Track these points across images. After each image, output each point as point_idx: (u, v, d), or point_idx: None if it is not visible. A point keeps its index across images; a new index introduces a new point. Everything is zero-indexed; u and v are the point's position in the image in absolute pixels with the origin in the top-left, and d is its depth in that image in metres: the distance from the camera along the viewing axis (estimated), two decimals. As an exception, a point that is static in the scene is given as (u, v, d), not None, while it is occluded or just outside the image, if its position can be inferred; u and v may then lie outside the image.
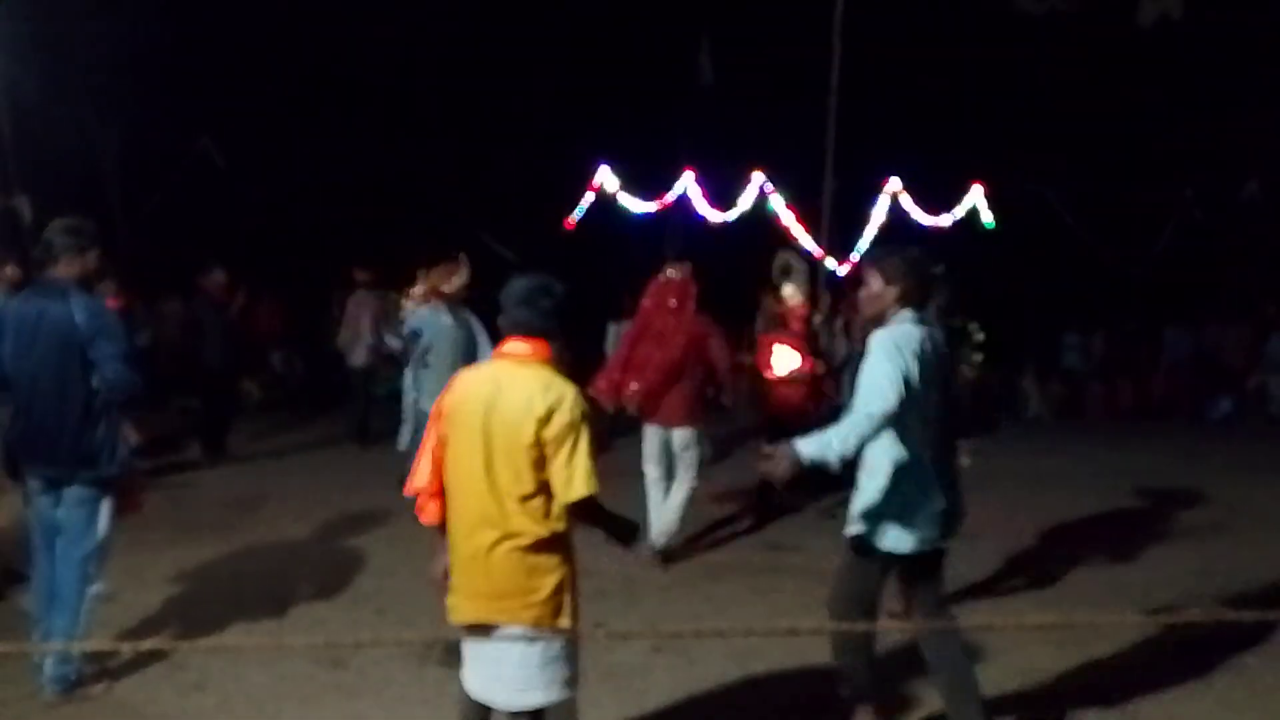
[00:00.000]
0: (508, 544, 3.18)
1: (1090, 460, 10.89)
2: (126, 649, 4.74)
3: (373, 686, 3.43)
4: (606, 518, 3.36)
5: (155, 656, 4.91)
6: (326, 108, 15.38)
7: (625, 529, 3.44)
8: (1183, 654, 5.23)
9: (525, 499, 3.18)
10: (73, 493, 4.46)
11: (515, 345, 3.29)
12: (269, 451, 10.61)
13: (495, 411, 3.18)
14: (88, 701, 4.51)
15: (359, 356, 10.83)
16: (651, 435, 6.80)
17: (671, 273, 6.98)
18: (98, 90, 12.49)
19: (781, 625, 5.15)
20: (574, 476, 3.16)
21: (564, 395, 3.19)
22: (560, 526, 3.24)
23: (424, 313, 6.32)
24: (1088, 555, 7.17)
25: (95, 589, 4.57)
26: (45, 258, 4.48)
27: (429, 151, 14.72)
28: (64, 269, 4.43)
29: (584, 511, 3.25)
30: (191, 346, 10.43)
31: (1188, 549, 7.31)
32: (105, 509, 4.54)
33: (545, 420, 3.14)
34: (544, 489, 3.19)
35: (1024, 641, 5.31)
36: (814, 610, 5.84)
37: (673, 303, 6.74)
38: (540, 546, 3.20)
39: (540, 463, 3.17)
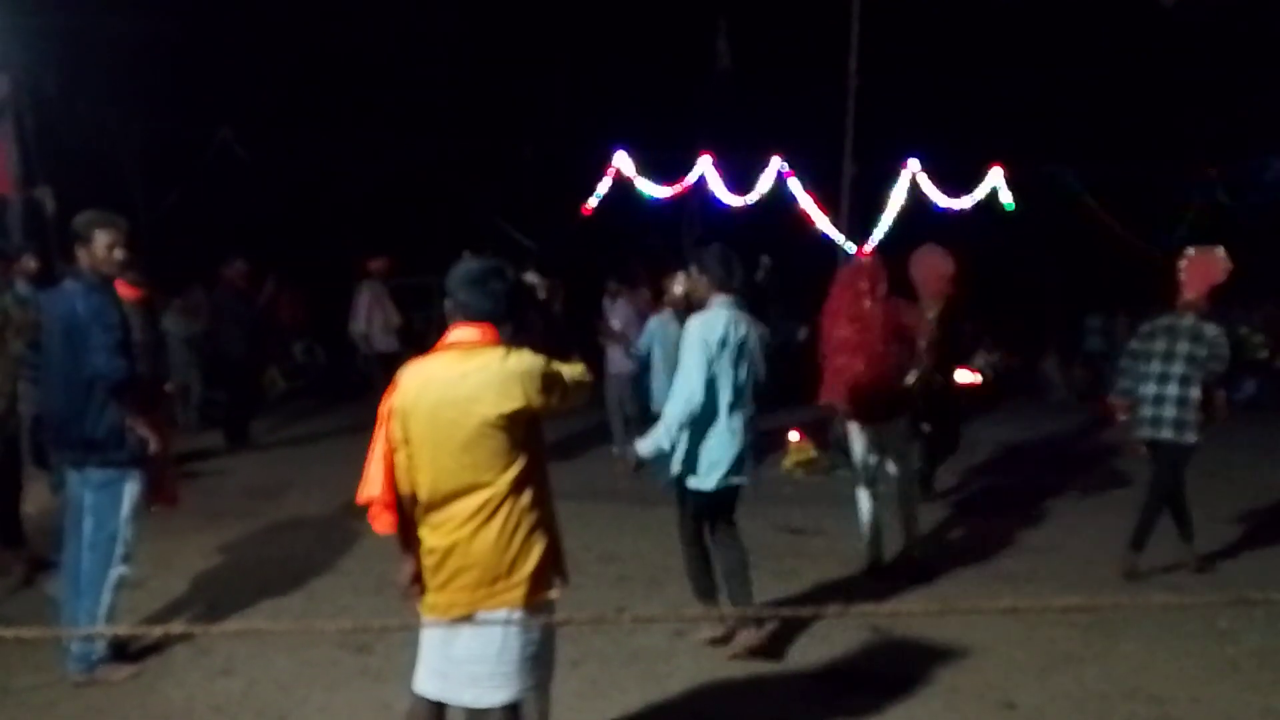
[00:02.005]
0: (484, 531, 3.11)
1: (1113, 444, 10.82)
2: (158, 631, 4.78)
3: (398, 671, 3.45)
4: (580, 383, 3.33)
5: (182, 641, 4.97)
6: (346, 98, 15.40)
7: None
8: (1207, 637, 5.21)
9: (494, 482, 3.10)
10: (94, 475, 4.55)
11: (462, 332, 3.19)
12: (292, 439, 10.68)
13: (458, 405, 3.08)
14: (115, 687, 4.56)
15: (383, 343, 10.86)
16: (862, 436, 6.28)
17: (862, 258, 6.61)
18: (119, 82, 12.54)
19: (806, 609, 5.15)
20: (570, 387, 3.22)
21: (522, 362, 3.11)
22: (536, 506, 3.17)
23: (655, 321, 7.65)
24: (1110, 538, 7.13)
25: (120, 571, 4.62)
26: (71, 248, 4.60)
27: (447, 140, 14.71)
28: (78, 259, 4.54)
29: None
30: (214, 336, 10.51)
31: (1211, 531, 7.25)
32: (128, 491, 4.60)
33: (511, 396, 3.06)
34: (513, 470, 3.11)
35: (1048, 624, 5.30)
36: (836, 593, 5.86)
37: (865, 286, 6.14)
38: (520, 528, 3.14)
39: (506, 441, 3.09)
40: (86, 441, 4.50)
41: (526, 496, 3.16)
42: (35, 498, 7.06)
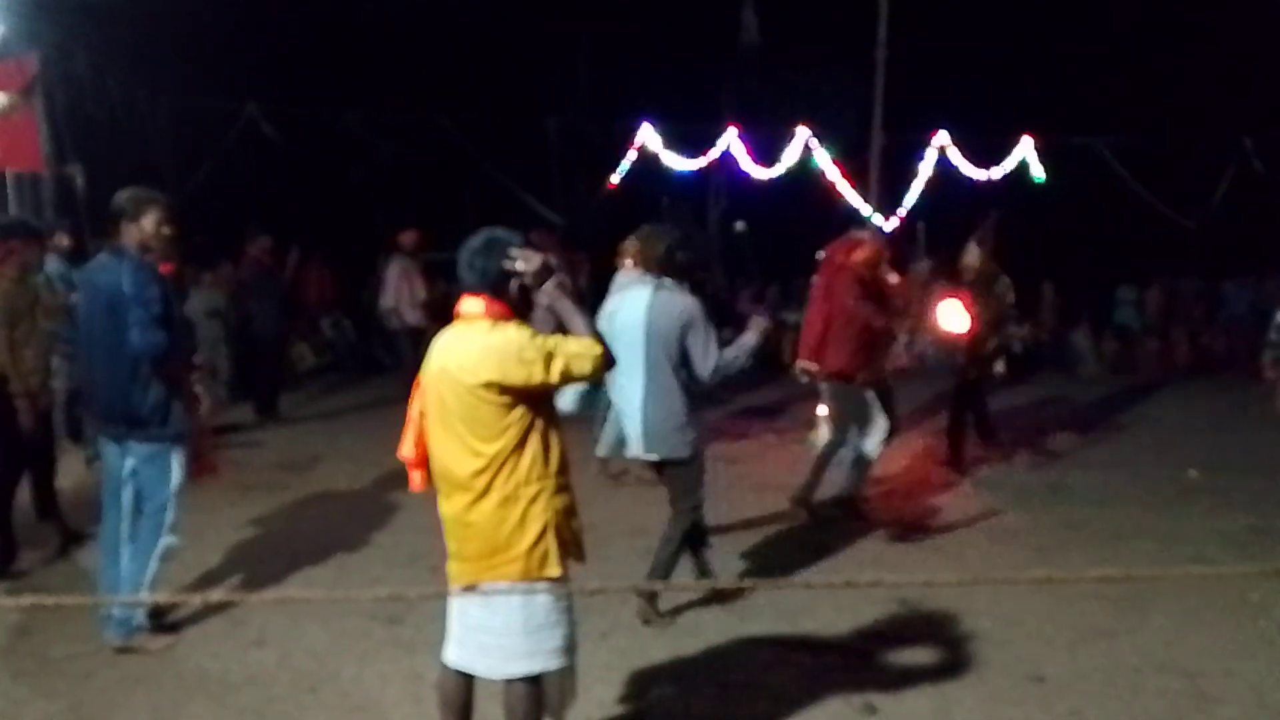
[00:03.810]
0: (482, 503, 3.14)
1: (1144, 417, 10.74)
2: (196, 599, 4.83)
3: (430, 642, 3.48)
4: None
5: (216, 612, 5.03)
6: (371, 73, 15.39)
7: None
8: (1239, 610, 5.16)
9: (484, 454, 3.11)
10: (138, 449, 4.61)
11: (468, 304, 3.21)
12: (321, 414, 10.77)
13: (451, 374, 3.13)
14: (150, 656, 4.63)
15: (412, 317, 10.89)
16: (854, 397, 6.72)
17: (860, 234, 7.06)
18: (148, 59, 12.59)
19: (837, 579, 5.14)
20: (574, 358, 3.10)
21: (504, 335, 3.09)
22: (533, 481, 3.16)
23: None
24: (1141, 512, 7.09)
25: (168, 541, 4.70)
26: (109, 225, 4.63)
27: (472, 114, 14.69)
28: (124, 236, 4.57)
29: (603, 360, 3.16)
30: (243, 312, 10.59)
31: (1244, 505, 7.19)
32: (175, 463, 4.67)
33: (487, 368, 3.05)
34: (502, 442, 3.11)
35: (1078, 597, 5.27)
36: (865, 566, 5.86)
37: (872, 257, 6.74)
38: (515, 501, 3.14)
39: (493, 413, 3.08)
40: (131, 416, 4.55)
41: (522, 471, 3.14)
42: (69, 471, 7.17)
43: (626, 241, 6.68)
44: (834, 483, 6.85)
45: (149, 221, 4.56)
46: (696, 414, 5.05)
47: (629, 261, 6.59)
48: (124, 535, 4.67)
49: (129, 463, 4.63)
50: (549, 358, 3.07)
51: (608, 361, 3.18)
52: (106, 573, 4.69)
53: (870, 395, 6.70)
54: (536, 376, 3.07)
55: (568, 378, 3.13)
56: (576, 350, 3.12)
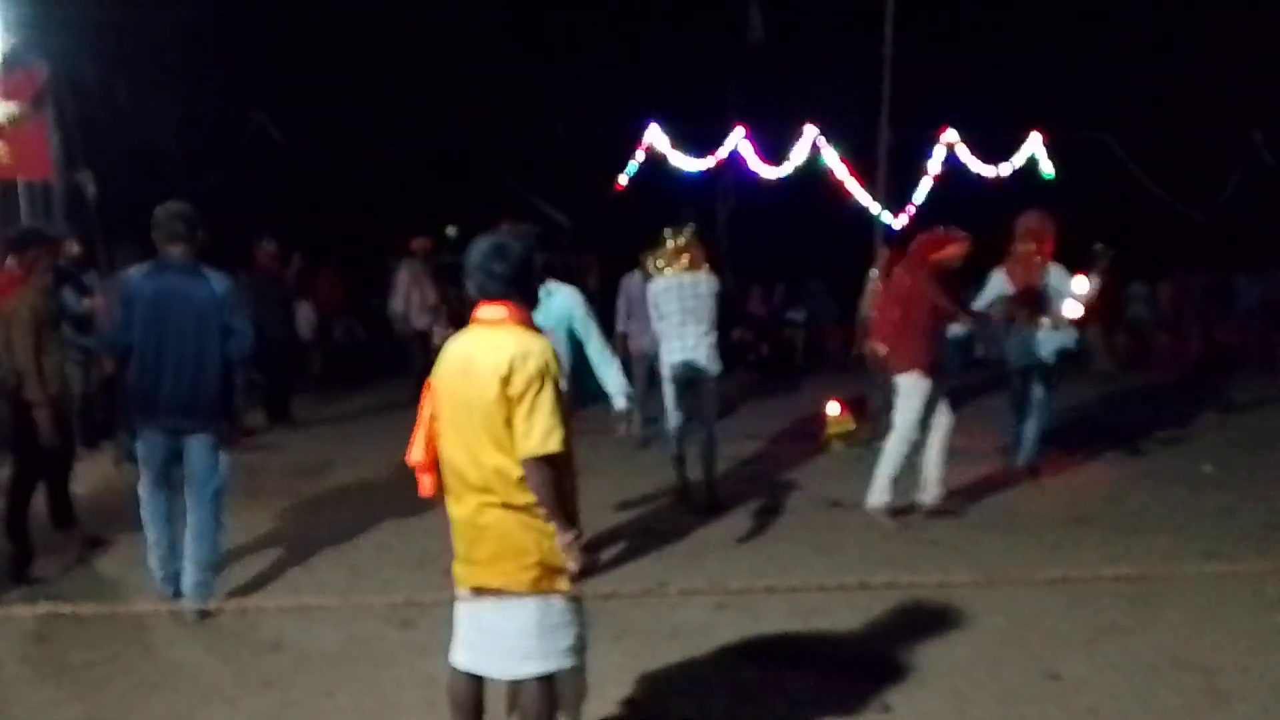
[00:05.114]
0: (494, 509, 3.14)
1: (1157, 412, 10.69)
2: (212, 606, 4.88)
3: (443, 646, 3.49)
4: (554, 491, 3.10)
5: (231, 617, 5.06)
6: (378, 77, 15.43)
7: (567, 518, 3.15)
8: (1255, 606, 5.14)
9: (505, 463, 3.12)
10: (198, 441, 5.10)
11: (485, 310, 3.22)
12: (333, 418, 10.80)
13: (468, 378, 3.14)
14: (164, 664, 4.65)
15: (422, 321, 10.92)
16: (922, 388, 6.70)
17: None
18: (157, 67, 12.65)
19: (851, 580, 5.12)
20: (531, 431, 3.05)
21: (528, 350, 3.09)
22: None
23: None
24: (1155, 508, 7.07)
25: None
26: (164, 240, 5.04)
27: (480, 117, 14.71)
28: (186, 250, 5.04)
29: (537, 471, 3.07)
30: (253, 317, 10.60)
31: (1258, 501, 7.16)
32: (223, 452, 5.21)
33: (508, 378, 3.06)
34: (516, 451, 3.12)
35: (1094, 595, 5.26)
36: (878, 566, 5.85)
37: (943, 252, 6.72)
38: (528, 509, 3.14)
39: (506, 421, 3.10)
40: (213, 409, 5.08)
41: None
42: (86, 477, 7.20)
43: None
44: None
45: (202, 236, 5.12)
46: None
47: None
48: (170, 511, 5.20)
49: (186, 452, 5.10)
50: (534, 401, 3.06)
51: (558, 448, 3.10)
52: (161, 543, 5.19)
53: (938, 391, 6.73)
54: (518, 409, 3.07)
55: (534, 426, 3.08)
56: (552, 424, 3.08)
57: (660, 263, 7.00)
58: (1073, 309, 7.59)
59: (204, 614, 5.13)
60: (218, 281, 5.05)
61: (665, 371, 7.00)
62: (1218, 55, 15.18)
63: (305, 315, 13.90)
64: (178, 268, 5.02)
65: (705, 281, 6.87)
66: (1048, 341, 7.66)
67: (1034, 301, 7.65)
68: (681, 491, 7.07)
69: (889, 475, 6.64)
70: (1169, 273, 15.69)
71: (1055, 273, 7.69)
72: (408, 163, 15.74)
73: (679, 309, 6.81)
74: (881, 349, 6.97)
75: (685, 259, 6.85)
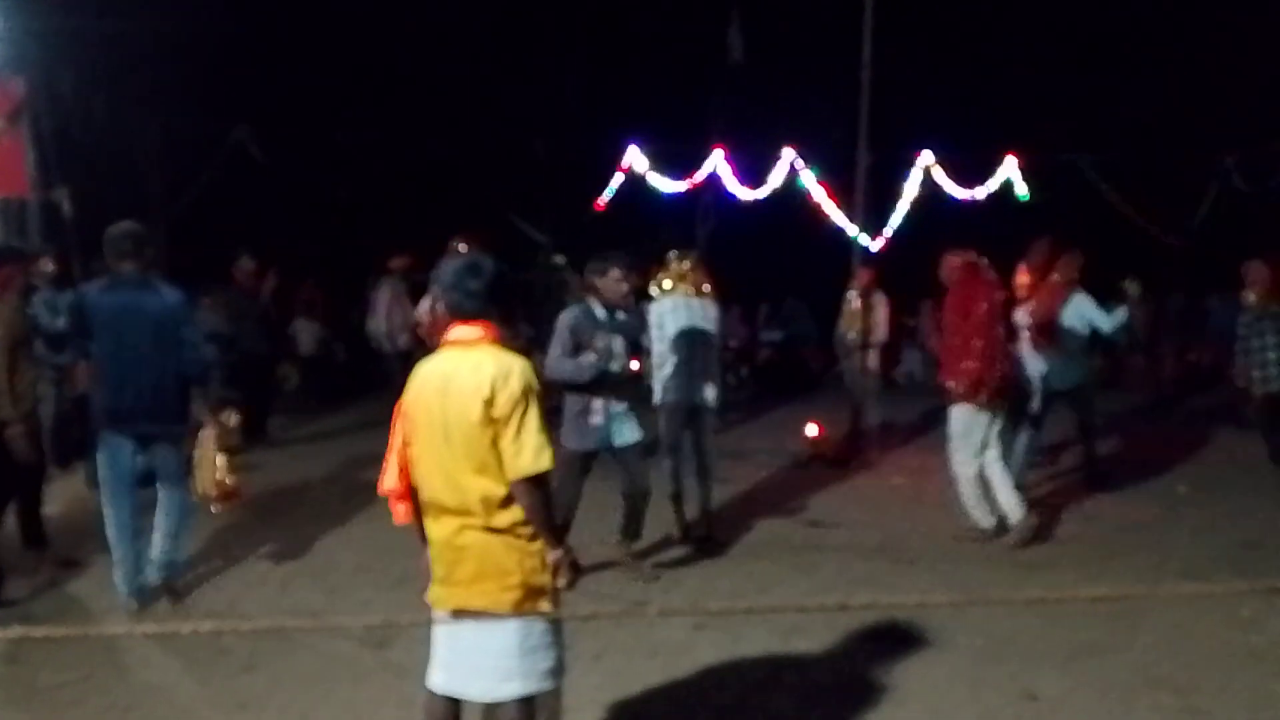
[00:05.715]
0: (476, 530, 3.12)
1: (1132, 433, 10.78)
2: (185, 629, 4.81)
3: (419, 666, 3.46)
4: (547, 510, 3.16)
5: (205, 638, 4.99)
6: (359, 95, 15.42)
7: (556, 531, 3.22)
8: (1231, 626, 5.18)
9: (487, 485, 3.10)
10: (165, 444, 5.41)
11: (459, 331, 3.19)
12: (310, 436, 10.73)
13: (447, 399, 3.10)
14: (137, 687, 4.59)
15: (403, 340, 10.87)
16: (984, 417, 6.67)
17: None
18: (135, 83, 12.59)
19: (831, 600, 5.13)
20: (522, 450, 3.04)
21: (510, 369, 3.08)
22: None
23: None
24: (1132, 529, 7.11)
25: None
26: (115, 257, 5.26)
27: (460, 135, 14.72)
28: (137, 266, 5.26)
29: (529, 492, 3.08)
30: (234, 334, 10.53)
31: (1235, 521, 7.22)
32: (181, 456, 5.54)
33: (491, 399, 3.04)
34: (497, 471, 3.10)
35: (1071, 614, 5.27)
36: (858, 586, 5.85)
37: (993, 279, 6.77)
38: (510, 530, 3.13)
39: (488, 441, 3.08)
40: (176, 414, 5.40)
41: (514, 507, 3.13)
42: (57, 497, 7.12)
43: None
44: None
45: (152, 253, 5.49)
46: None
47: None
48: (135, 523, 5.37)
49: (147, 458, 5.37)
50: (520, 421, 3.06)
51: (550, 465, 3.12)
52: (127, 558, 5.34)
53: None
54: (503, 428, 3.06)
55: (522, 444, 3.08)
56: (541, 441, 3.08)
57: (668, 284, 6.88)
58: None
59: (172, 593, 5.45)
60: (170, 293, 5.34)
61: (668, 400, 6.62)
62: (1191, 79, 15.39)
63: (309, 331, 13.89)
64: (132, 283, 5.25)
65: (711, 306, 6.79)
66: (1066, 370, 7.85)
67: (1050, 330, 7.76)
68: (683, 533, 6.72)
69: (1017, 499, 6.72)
70: (1143, 295, 15.82)
71: (1079, 301, 7.86)
72: (388, 181, 15.73)
73: (687, 330, 6.55)
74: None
75: (692, 280, 6.79)
